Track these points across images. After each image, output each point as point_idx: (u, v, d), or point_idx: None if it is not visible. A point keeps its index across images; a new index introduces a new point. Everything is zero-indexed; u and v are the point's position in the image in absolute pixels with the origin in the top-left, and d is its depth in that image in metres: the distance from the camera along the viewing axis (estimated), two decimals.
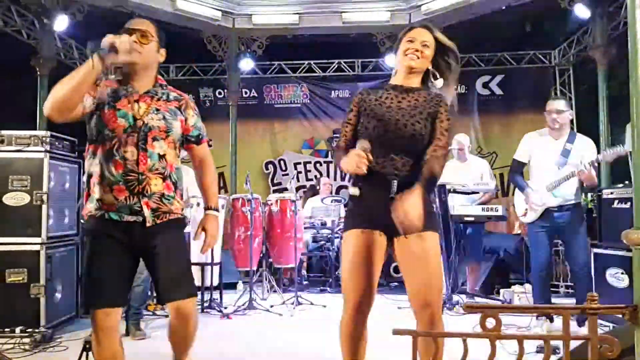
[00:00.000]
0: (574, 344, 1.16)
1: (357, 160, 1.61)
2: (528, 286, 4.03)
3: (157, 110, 1.75)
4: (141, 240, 1.71)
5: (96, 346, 1.69)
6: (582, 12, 5.46)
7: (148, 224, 1.70)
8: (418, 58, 1.76)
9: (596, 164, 3.10)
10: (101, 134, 1.70)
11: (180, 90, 1.88)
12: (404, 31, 1.84)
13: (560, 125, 3.20)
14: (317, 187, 6.18)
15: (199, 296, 4.11)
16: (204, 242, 1.89)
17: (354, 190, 1.78)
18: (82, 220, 3.03)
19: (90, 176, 1.72)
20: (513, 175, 3.49)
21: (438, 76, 1.82)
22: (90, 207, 1.72)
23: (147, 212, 1.70)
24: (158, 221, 1.71)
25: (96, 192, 1.70)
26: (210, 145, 3.10)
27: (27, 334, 2.86)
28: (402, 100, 1.78)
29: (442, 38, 1.80)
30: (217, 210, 1.91)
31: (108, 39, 1.62)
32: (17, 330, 2.88)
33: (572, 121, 3.59)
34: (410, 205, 1.55)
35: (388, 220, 1.67)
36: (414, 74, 1.81)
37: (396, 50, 1.84)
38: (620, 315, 1.16)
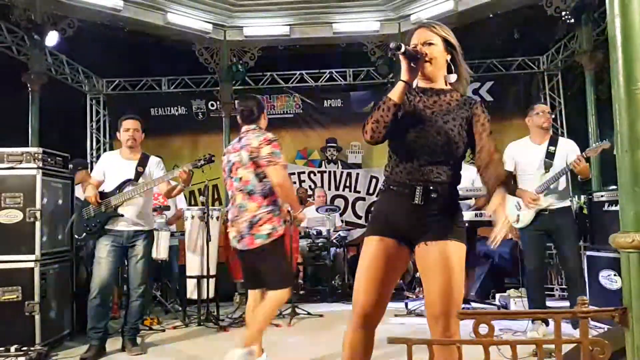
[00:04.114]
0: (566, 347, 1.17)
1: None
2: (524, 290, 4.05)
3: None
4: None
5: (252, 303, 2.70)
6: (568, 18, 5.57)
7: None
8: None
9: (586, 158, 3.23)
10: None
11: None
12: (407, 38, 1.74)
13: (549, 125, 3.35)
14: (312, 198, 6.19)
15: (195, 309, 4.08)
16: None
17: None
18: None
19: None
20: None
21: (453, 70, 1.71)
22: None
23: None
24: None
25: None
26: (212, 161, 3.16)
27: (22, 353, 2.83)
28: (434, 105, 1.68)
29: (442, 32, 1.69)
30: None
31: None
32: (12, 349, 2.84)
33: (558, 126, 3.78)
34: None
35: (410, 228, 1.62)
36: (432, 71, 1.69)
37: None
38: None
